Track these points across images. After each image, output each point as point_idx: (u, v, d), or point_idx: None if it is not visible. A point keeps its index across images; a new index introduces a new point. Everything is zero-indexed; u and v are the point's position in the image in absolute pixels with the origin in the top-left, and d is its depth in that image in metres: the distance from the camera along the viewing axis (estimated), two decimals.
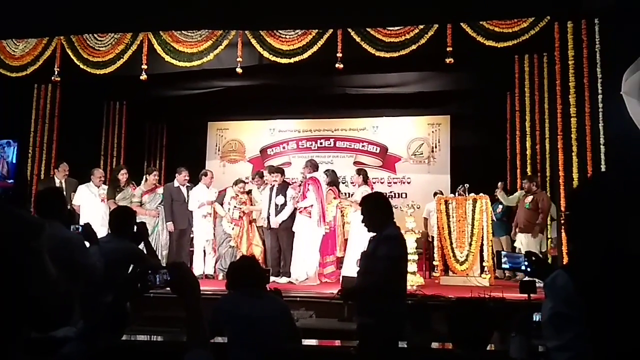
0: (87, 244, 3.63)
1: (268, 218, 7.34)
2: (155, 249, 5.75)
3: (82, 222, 4.12)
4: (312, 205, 7.04)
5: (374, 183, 8.49)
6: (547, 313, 1.47)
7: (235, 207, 7.58)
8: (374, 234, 3.52)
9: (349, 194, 8.79)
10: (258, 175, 8.14)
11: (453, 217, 7.30)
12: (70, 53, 7.76)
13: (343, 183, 9.72)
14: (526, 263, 2.26)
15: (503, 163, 8.63)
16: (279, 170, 7.64)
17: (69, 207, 3.91)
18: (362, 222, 3.55)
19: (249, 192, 8.00)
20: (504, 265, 2.35)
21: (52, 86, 8.55)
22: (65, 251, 3.16)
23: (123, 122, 10.01)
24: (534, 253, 2.30)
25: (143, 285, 1.55)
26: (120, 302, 1.61)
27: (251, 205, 7.80)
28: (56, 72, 7.78)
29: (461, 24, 6.84)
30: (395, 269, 3.29)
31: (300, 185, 7.52)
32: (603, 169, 6.34)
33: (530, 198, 7.25)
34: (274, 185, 7.43)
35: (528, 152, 7.91)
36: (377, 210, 3.48)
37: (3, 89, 7.90)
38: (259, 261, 7.03)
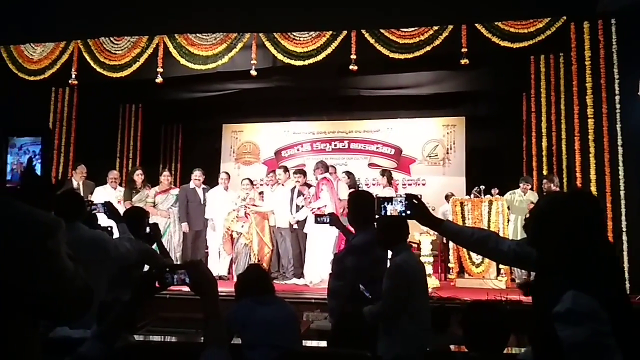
0: (114, 222, 3.73)
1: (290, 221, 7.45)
2: (168, 250, 5.79)
3: (101, 224, 4.14)
4: (325, 206, 7.03)
5: None
6: (582, 337, 1.45)
7: (240, 205, 7.63)
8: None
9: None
10: (273, 172, 8.17)
11: (469, 219, 7.24)
12: (87, 57, 7.85)
13: (358, 185, 9.71)
14: (406, 203, 2.15)
15: (519, 164, 8.55)
16: (301, 172, 7.66)
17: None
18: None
19: (260, 193, 8.05)
20: (383, 212, 2.21)
21: (70, 89, 8.65)
22: (99, 250, 3.24)
23: (139, 125, 10.10)
24: (415, 195, 2.20)
25: (161, 283, 1.57)
26: (138, 300, 1.62)
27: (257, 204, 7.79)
28: (73, 76, 7.89)
29: (476, 24, 6.81)
30: (362, 278, 3.23)
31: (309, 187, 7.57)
32: (621, 170, 6.28)
33: None
34: (295, 186, 7.46)
35: (544, 153, 7.83)
36: (354, 209, 3.46)
37: (22, 93, 8.00)
38: (264, 267, 7.10)
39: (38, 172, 1.31)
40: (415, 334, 3.05)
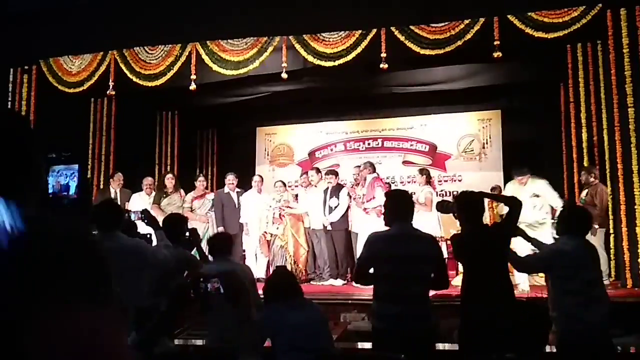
0: (152, 229, 3.83)
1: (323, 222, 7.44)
2: (206, 254, 5.88)
3: (140, 231, 4.24)
4: (380, 205, 6.99)
5: None
6: None
7: (275, 207, 7.69)
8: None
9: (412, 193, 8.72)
10: (306, 174, 8.23)
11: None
12: (123, 67, 8.04)
13: (393, 183, 9.66)
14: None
15: (558, 157, 8.35)
16: (333, 172, 7.67)
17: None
18: None
19: (296, 195, 8.11)
20: None
21: (108, 100, 8.89)
22: (138, 258, 3.33)
23: (175, 131, 10.32)
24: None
25: (195, 293, 1.60)
26: (173, 310, 1.66)
27: (291, 205, 7.84)
28: (111, 86, 8.08)
29: (508, 16, 6.68)
30: (364, 270, 3.37)
31: (353, 187, 7.57)
32: None
33: (585, 192, 6.88)
34: (327, 187, 7.47)
35: (584, 144, 7.59)
36: (387, 207, 3.53)
37: (62, 105, 8.25)
38: (300, 268, 7.14)
39: (75, 191, 1.36)
40: (377, 303, 3.32)
